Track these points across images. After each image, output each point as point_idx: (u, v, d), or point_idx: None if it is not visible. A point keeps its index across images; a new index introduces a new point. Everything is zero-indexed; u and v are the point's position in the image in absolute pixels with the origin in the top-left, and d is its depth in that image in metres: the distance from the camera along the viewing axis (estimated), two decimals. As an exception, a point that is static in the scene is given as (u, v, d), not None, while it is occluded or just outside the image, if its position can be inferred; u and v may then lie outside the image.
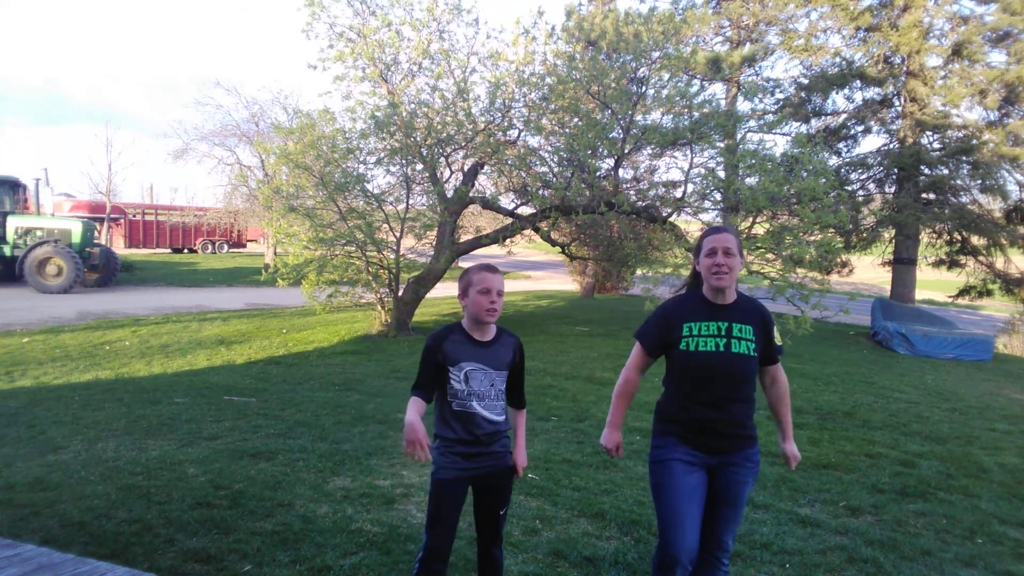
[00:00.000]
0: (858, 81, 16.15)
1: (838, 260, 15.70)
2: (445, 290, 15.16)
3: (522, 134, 12.18)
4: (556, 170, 11.76)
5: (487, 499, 2.52)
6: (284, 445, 5.03)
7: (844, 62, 16.35)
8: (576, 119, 11.29)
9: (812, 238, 10.49)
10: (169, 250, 33.67)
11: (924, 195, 15.87)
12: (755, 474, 2.55)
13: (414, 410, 2.32)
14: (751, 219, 11.02)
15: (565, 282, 23.87)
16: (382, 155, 11.70)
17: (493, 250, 14.32)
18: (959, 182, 15.83)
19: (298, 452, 4.85)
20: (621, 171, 12.32)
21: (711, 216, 11.78)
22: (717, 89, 19.33)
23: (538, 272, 30.36)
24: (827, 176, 10.45)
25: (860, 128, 16.87)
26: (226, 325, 11.78)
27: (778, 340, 2.57)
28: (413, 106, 11.47)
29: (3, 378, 7.32)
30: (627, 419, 6.31)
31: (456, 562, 3.14)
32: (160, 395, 6.63)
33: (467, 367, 2.43)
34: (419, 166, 11.57)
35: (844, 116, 16.88)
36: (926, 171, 15.65)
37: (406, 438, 2.24)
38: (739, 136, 11.85)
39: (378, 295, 11.64)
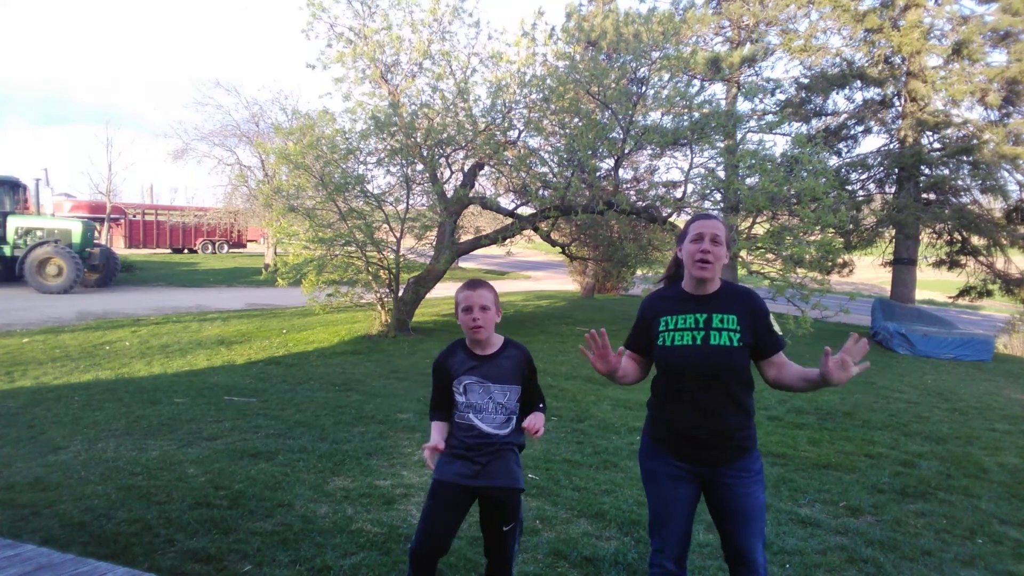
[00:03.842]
0: (858, 81, 16.15)
1: (838, 260, 15.70)
2: (445, 290, 15.15)
3: (522, 135, 12.19)
4: (556, 170, 11.76)
5: (490, 513, 2.54)
6: (284, 445, 5.03)
7: (844, 62, 16.35)
8: (576, 119, 11.29)
9: (812, 238, 10.49)
10: (169, 250, 33.67)
11: (924, 195, 15.87)
12: (758, 482, 2.31)
13: (436, 432, 2.52)
14: (751, 219, 11.02)
15: (565, 282, 23.86)
16: (382, 155, 11.70)
17: (493, 250, 14.34)
18: (959, 182, 15.82)
19: (298, 452, 4.85)
20: (621, 171, 12.32)
21: (711, 216, 11.77)
22: (717, 89, 19.33)
23: (538, 272, 30.36)
24: (827, 176, 10.45)
25: (860, 128, 16.88)
26: (226, 325, 11.78)
27: (776, 330, 2.30)
28: (414, 107, 11.48)
29: (3, 378, 7.32)
30: (627, 420, 6.32)
31: (456, 562, 3.14)
32: (160, 395, 6.63)
33: (466, 380, 2.50)
34: (419, 166, 11.57)
35: (844, 116, 16.88)
36: (926, 171, 15.65)
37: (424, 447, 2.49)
38: (739, 136, 11.86)
39: (378, 295, 11.64)
